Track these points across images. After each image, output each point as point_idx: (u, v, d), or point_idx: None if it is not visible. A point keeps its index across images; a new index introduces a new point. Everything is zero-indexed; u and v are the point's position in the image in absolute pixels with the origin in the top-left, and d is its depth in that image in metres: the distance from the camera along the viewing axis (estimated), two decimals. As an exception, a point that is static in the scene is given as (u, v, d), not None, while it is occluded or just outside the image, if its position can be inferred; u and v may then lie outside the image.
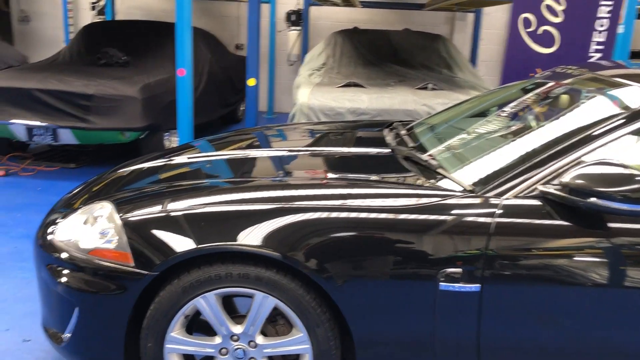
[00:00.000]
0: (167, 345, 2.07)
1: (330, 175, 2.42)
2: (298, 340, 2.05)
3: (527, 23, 4.67)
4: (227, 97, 7.69)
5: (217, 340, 2.09)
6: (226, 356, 2.10)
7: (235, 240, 1.97)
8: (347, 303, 1.98)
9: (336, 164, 2.63)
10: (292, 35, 9.12)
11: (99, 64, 6.15)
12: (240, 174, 2.53)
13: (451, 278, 1.93)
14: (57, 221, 2.30)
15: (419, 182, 2.21)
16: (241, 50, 9.72)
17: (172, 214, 2.07)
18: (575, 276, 1.93)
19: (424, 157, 2.39)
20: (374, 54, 6.55)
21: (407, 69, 6.17)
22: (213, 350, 2.10)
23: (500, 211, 1.96)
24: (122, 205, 2.16)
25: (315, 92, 5.13)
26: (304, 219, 1.98)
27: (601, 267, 1.93)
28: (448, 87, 5.36)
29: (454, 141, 2.61)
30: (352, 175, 2.36)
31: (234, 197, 2.11)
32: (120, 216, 2.11)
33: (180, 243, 2.00)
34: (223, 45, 8.09)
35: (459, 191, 2.06)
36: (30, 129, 5.28)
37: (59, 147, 6.20)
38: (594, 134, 2.04)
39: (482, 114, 3.00)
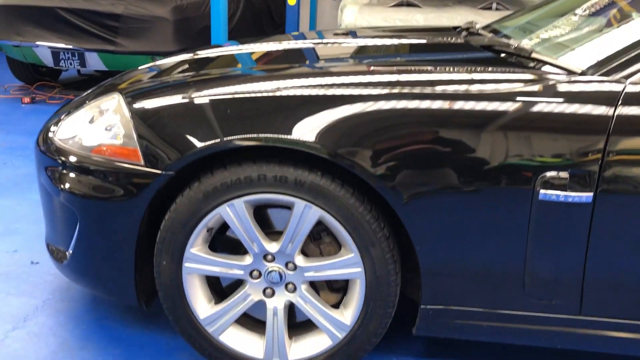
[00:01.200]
0: (186, 264, 1.67)
1: (394, 60, 1.95)
2: (348, 262, 1.62)
3: None
4: (266, 29, 7.19)
5: (248, 260, 1.68)
6: (258, 280, 1.70)
7: (271, 133, 1.53)
8: (415, 218, 1.54)
9: (400, 49, 2.14)
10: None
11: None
12: (279, 61, 2.08)
13: (554, 184, 1.46)
14: (61, 119, 1.91)
15: (508, 67, 1.70)
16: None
17: (192, 101, 1.65)
18: None
19: (511, 42, 1.88)
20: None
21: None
22: (242, 272, 1.69)
23: (626, 97, 1.46)
24: (134, 97, 1.74)
25: (363, 12, 4.60)
26: (362, 109, 1.53)
27: None
28: (515, 6, 4.74)
29: (545, 30, 2.09)
30: (422, 57, 1.88)
31: (270, 85, 1.65)
32: (129, 107, 1.70)
33: (201, 135, 1.58)
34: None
35: (566, 75, 1.56)
36: (56, 53, 4.93)
37: (88, 77, 5.87)
38: None
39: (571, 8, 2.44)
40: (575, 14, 2.21)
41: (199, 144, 1.56)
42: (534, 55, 1.74)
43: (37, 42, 4.84)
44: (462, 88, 1.54)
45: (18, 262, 2.39)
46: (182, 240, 1.65)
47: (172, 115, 1.64)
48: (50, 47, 4.87)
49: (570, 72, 1.57)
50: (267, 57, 2.16)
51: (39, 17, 4.80)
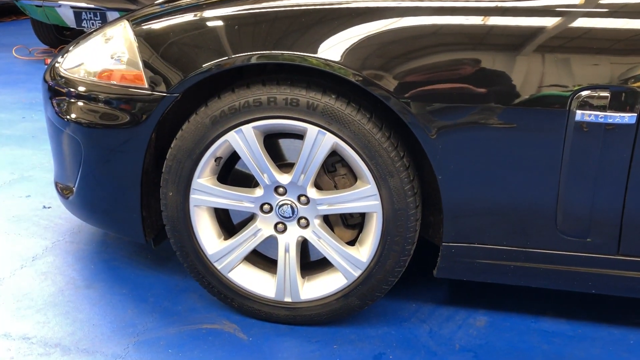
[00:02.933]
0: (193, 196, 1.58)
1: None
2: (363, 194, 1.51)
3: None
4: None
5: (258, 192, 1.58)
6: (269, 214, 1.60)
7: (281, 49, 1.41)
8: (438, 148, 1.41)
9: None
10: None
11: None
12: None
13: (593, 104, 1.32)
14: (68, 50, 1.83)
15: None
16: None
17: (198, 20, 1.54)
18: None
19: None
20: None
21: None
22: (252, 205, 1.60)
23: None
24: (141, 22, 1.64)
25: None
26: (390, 26, 1.40)
27: None
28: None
29: None
30: None
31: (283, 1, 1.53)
32: (134, 30, 1.60)
33: (207, 54, 1.47)
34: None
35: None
36: (78, 13, 4.86)
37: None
38: None
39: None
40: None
41: (204, 63, 1.46)
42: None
43: (60, 2, 4.78)
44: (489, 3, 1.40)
45: (30, 205, 2.35)
46: (188, 169, 1.56)
47: (177, 36, 1.54)
48: (72, 7, 4.81)
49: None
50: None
51: (60, -25, 4.74)
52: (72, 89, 1.68)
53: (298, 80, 1.46)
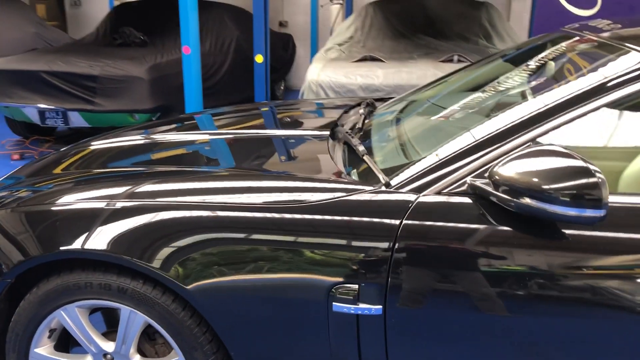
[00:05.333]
0: (32, 363, 1.79)
1: (216, 163, 2.04)
2: (174, 364, 1.70)
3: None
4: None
5: (88, 359, 1.78)
6: (101, 377, 1.79)
7: (82, 244, 1.63)
8: (224, 324, 1.61)
9: (242, 149, 2.19)
10: (335, 9, 8.64)
11: (115, 44, 6.00)
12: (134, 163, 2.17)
13: (345, 298, 1.51)
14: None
15: (329, 173, 1.77)
16: (285, 28, 9.38)
17: (29, 210, 1.77)
18: (512, 300, 1.45)
19: (355, 142, 1.94)
20: (407, 25, 5.99)
21: (439, 40, 5.58)
22: (84, 371, 1.79)
23: (414, 210, 1.50)
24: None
25: (327, 68, 4.70)
26: (160, 218, 1.62)
27: (553, 289, 1.43)
28: (478, 58, 4.76)
29: (404, 122, 2.13)
30: (249, 164, 1.96)
31: (95, 193, 1.76)
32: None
33: (28, 247, 1.69)
34: (259, 22, 7.76)
35: (370, 186, 1.61)
36: (42, 112, 5.20)
37: (82, 130, 6.13)
38: (549, 110, 1.52)
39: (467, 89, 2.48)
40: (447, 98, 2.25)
41: (22, 257, 1.68)
42: (364, 157, 1.80)
43: (24, 104, 5.12)
44: (258, 199, 1.61)
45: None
46: (26, 340, 1.76)
47: (12, 225, 1.77)
48: (36, 107, 5.15)
49: (383, 182, 1.61)
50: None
51: (24, 80, 5.09)
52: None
53: (111, 266, 1.67)
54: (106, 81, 4.99)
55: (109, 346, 1.75)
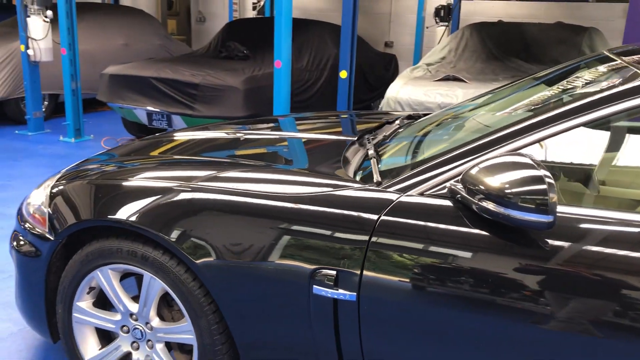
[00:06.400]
0: (74, 314, 2.09)
1: (240, 158, 2.26)
2: (184, 329, 1.92)
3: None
4: (357, 94, 7.59)
5: (118, 316, 2.05)
6: (127, 334, 2.06)
7: (112, 215, 1.91)
8: (224, 297, 1.81)
9: (268, 147, 2.39)
10: (440, 31, 8.69)
11: (220, 57, 6.50)
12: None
13: (325, 282, 1.65)
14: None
15: (334, 171, 1.92)
16: (390, 48, 9.56)
17: (81, 185, 2.08)
18: (474, 299, 1.51)
19: (369, 147, 2.07)
20: (502, 49, 5.95)
21: (531, 64, 5.49)
22: (114, 327, 2.07)
23: (393, 208, 1.62)
24: (60, 179, 2.22)
25: (407, 85, 4.82)
26: (181, 198, 1.85)
27: (512, 291, 1.48)
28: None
29: (417, 133, 2.23)
30: (262, 159, 2.15)
31: (133, 175, 2.04)
32: (51, 187, 2.18)
33: (75, 213, 2.00)
34: (362, 41, 8.01)
35: (359, 183, 1.74)
36: (150, 114, 5.77)
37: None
38: (529, 125, 1.58)
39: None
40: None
41: (71, 220, 1.99)
42: (371, 159, 1.93)
43: (134, 106, 5.72)
44: (260, 188, 1.80)
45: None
46: (70, 294, 2.07)
47: (69, 194, 2.09)
48: (145, 110, 5.73)
49: (375, 181, 1.74)
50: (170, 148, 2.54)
51: (136, 84, 5.69)
52: (19, 224, 2.27)
53: (139, 236, 1.93)
54: (206, 89, 5.44)
55: (134, 307, 2.01)
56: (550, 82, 2.14)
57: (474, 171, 1.49)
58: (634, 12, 3.84)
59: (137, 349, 2.05)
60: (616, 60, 1.89)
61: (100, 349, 2.11)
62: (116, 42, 8.24)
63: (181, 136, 2.70)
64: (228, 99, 5.46)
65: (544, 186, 1.35)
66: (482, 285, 1.50)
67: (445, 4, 8.61)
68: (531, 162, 1.40)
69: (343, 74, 5.02)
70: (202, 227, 1.81)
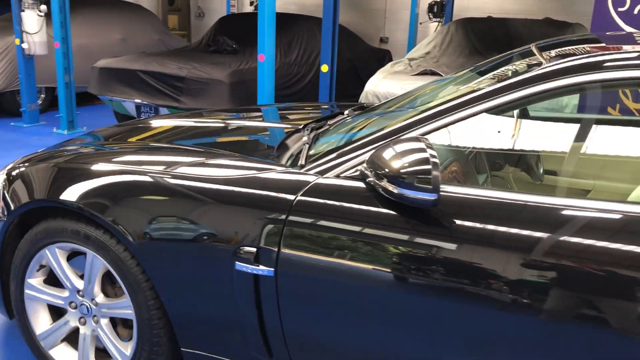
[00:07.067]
0: (26, 291, 2.20)
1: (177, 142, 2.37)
2: (124, 305, 2.03)
3: (616, 2, 3.81)
4: (348, 88, 7.67)
5: (66, 293, 2.16)
6: (76, 310, 2.16)
7: (58, 196, 2.01)
8: (157, 274, 1.91)
9: (233, 135, 2.50)
10: (433, 27, 8.74)
11: (209, 51, 6.61)
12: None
13: (246, 258, 1.74)
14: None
15: (267, 156, 2.02)
16: (385, 44, 9.62)
17: (45, 167, 2.18)
18: (381, 274, 1.61)
19: (306, 134, 2.17)
20: (486, 44, 6.00)
21: (513, 59, 5.54)
22: (63, 303, 2.17)
23: (309, 189, 1.71)
24: (18, 162, 2.33)
25: (386, 79, 4.90)
26: (120, 180, 1.96)
27: (416, 267, 1.57)
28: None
29: (353, 122, 2.32)
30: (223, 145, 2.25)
31: (92, 159, 2.14)
32: (7, 170, 2.29)
33: (29, 193, 2.11)
34: (355, 37, 8.09)
35: (284, 167, 1.84)
36: (138, 107, 5.89)
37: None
38: (432, 114, 1.67)
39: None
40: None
41: (22, 200, 2.10)
42: (305, 145, 2.03)
43: (124, 98, 5.85)
44: (190, 171, 1.91)
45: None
46: (22, 272, 2.18)
47: (21, 177, 2.20)
48: (133, 102, 5.85)
49: (299, 165, 1.84)
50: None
51: (125, 77, 5.82)
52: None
53: (82, 216, 2.04)
54: (192, 82, 5.55)
55: (80, 284, 2.11)
56: (478, 74, 2.22)
57: (376, 154, 1.58)
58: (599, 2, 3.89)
59: (84, 324, 2.16)
60: (534, 54, 1.97)
61: (50, 325, 2.22)
62: (114, 36, 8.38)
63: (161, 123, 2.78)
64: (213, 92, 5.56)
65: (429, 166, 1.44)
66: (389, 263, 1.59)
67: (438, 0, 8.65)
68: (423, 145, 1.49)
69: (324, 68, 5.11)
70: (137, 208, 1.91)
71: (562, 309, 1.44)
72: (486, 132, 2.49)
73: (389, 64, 5.70)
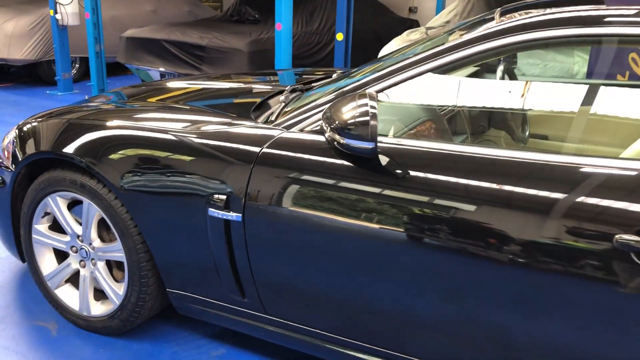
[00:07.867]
0: (33, 236, 2.43)
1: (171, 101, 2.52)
2: (116, 248, 2.23)
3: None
4: (372, 56, 7.71)
5: (67, 238, 2.38)
6: (76, 254, 2.38)
7: (61, 149, 2.20)
8: (142, 220, 2.09)
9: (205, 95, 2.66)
10: (461, -4, 8.63)
11: (232, 21, 6.75)
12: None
13: (217, 204, 1.91)
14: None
15: (245, 114, 2.16)
16: (414, 14, 9.56)
17: (57, 122, 2.37)
18: (336, 221, 1.74)
19: (286, 95, 2.31)
20: (506, 12, 5.94)
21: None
22: (65, 247, 2.39)
23: (274, 142, 1.85)
24: (30, 118, 2.54)
25: (399, 46, 4.94)
26: (111, 134, 2.14)
27: (369, 216, 1.70)
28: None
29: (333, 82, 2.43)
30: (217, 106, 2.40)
31: (102, 116, 2.32)
32: (19, 125, 2.50)
33: (36, 146, 2.32)
34: (381, 6, 8.10)
35: (254, 122, 1.98)
36: (162, 75, 6.11)
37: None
38: (387, 72, 1.78)
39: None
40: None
41: (28, 152, 2.31)
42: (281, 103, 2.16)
43: (149, 67, 6.07)
44: (171, 125, 2.07)
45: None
46: (29, 218, 2.41)
47: (28, 131, 2.40)
48: (158, 71, 6.07)
49: (267, 120, 1.99)
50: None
51: (149, 46, 6.03)
52: (-5, 158, 2.62)
53: (79, 167, 2.23)
54: (212, 51, 5.72)
55: (79, 230, 2.32)
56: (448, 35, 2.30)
57: (329, 108, 1.70)
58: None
59: (84, 266, 2.38)
60: (492, 16, 2.04)
61: (55, 267, 2.45)
62: (145, 8, 8.61)
63: (186, 85, 2.93)
64: (233, 60, 5.72)
65: (367, 117, 1.56)
66: (344, 210, 1.72)
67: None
68: (367, 99, 1.61)
69: (339, 36, 5.19)
70: (124, 159, 2.09)
71: (501, 255, 1.54)
72: (469, 93, 2.58)
73: (406, 32, 5.73)
